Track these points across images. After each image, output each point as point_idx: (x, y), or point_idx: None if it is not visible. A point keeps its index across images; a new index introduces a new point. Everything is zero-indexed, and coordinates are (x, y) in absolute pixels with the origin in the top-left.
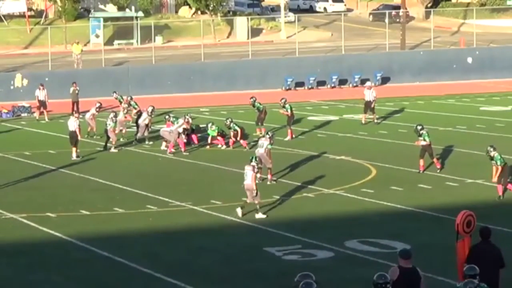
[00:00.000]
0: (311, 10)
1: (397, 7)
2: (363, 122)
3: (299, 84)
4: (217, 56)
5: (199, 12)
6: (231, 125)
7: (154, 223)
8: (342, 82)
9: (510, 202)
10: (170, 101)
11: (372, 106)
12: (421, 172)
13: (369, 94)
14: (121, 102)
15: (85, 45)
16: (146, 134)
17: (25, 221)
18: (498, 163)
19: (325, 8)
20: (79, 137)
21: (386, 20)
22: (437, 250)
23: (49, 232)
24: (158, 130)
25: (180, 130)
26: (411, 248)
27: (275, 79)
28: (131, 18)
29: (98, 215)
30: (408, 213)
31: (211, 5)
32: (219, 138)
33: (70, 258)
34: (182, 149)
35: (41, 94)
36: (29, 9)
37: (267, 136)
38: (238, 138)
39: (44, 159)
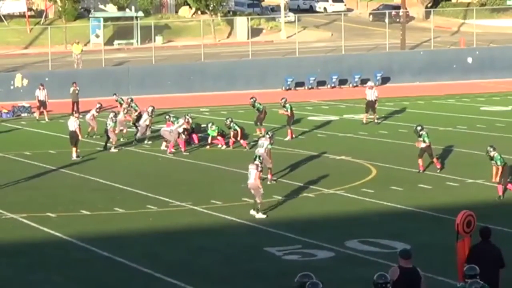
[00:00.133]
0: (311, 10)
1: (397, 7)
2: (364, 121)
3: (299, 84)
4: (217, 56)
5: (199, 12)
6: (231, 124)
7: (154, 223)
8: (342, 82)
9: (510, 202)
10: (170, 101)
11: (375, 106)
12: (421, 171)
13: (370, 93)
14: (121, 104)
15: (85, 45)
16: (148, 133)
17: (25, 221)
18: (498, 163)
19: (325, 8)
20: (79, 137)
21: (386, 20)
22: (437, 250)
23: (49, 232)
24: (158, 130)
25: (180, 130)
26: (411, 248)
27: (275, 79)
28: (131, 18)
29: (98, 215)
30: (408, 213)
31: (211, 5)
32: (219, 138)
33: (70, 258)
34: (182, 149)
35: (41, 94)
36: (29, 9)
37: (267, 136)
38: (238, 138)
39: (44, 159)
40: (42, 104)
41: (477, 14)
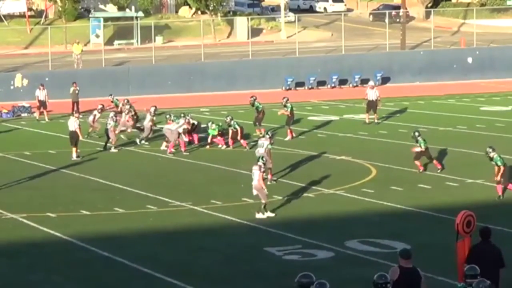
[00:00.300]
0: (311, 10)
1: (397, 7)
2: (367, 121)
3: (299, 84)
4: (217, 56)
5: (199, 12)
6: (232, 122)
7: (154, 223)
8: (342, 82)
9: (510, 202)
10: (170, 101)
11: (378, 105)
12: (421, 171)
13: (372, 93)
14: (117, 106)
15: (85, 45)
16: (150, 135)
17: (25, 221)
18: (499, 163)
19: (325, 8)
20: (80, 137)
21: (386, 20)
22: (437, 250)
23: (49, 232)
24: (159, 130)
25: (181, 130)
26: (411, 248)
27: (275, 79)
28: (131, 18)
29: (98, 215)
30: (408, 213)
31: (211, 5)
32: (219, 137)
33: (70, 258)
34: (182, 149)
35: (41, 94)
36: (29, 9)
37: (267, 136)
38: (238, 138)
39: (44, 159)
40: (42, 104)
41: (477, 14)
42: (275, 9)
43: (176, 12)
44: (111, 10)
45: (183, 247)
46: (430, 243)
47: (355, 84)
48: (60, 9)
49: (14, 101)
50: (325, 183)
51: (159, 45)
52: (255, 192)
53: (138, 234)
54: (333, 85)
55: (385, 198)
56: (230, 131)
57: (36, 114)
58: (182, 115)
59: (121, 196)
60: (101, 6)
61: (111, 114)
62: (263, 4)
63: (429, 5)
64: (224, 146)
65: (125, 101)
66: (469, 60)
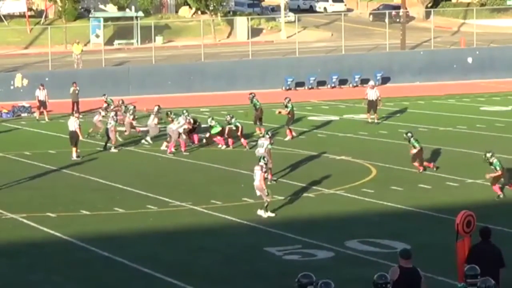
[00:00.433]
0: (311, 10)
1: (397, 7)
2: (369, 121)
3: (299, 84)
4: (217, 56)
5: (199, 12)
6: (232, 121)
7: (154, 223)
8: (342, 82)
9: (510, 202)
10: (170, 101)
11: (378, 105)
12: (421, 171)
13: (372, 93)
14: (109, 105)
15: (85, 45)
16: (153, 134)
17: (25, 221)
18: (498, 168)
19: (325, 8)
20: (80, 137)
21: (386, 20)
22: (437, 250)
23: (49, 232)
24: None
25: (181, 130)
26: (411, 248)
27: (275, 79)
28: (131, 18)
29: (98, 215)
30: (408, 213)
31: (211, 5)
32: (219, 137)
33: (70, 258)
34: (182, 149)
35: (41, 94)
36: (29, 9)
37: (267, 136)
38: (239, 134)
39: (44, 159)
40: (42, 104)
41: (477, 14)
42: (275, 9)
43: (176, 12)
44: (111, 10)
45: (183, 247)
46: (430, 243)
47: (355, 84)
48: (60, 9)
49: (14, 101)
50: (325, 183)
51: (159, 45)
52: (258, 192)
53: (138, 234)
54: (333, 85)
55: (385, 198)
56: (227, 129)
57: (36, 114)
58: (184, 112)
59: (121, 196)
60: (101, 6)
61: (112, 113)
62: (263, 4)
63: (429, 5)
64: (224, 146)
65: (121, 101)
66: (469, 60)
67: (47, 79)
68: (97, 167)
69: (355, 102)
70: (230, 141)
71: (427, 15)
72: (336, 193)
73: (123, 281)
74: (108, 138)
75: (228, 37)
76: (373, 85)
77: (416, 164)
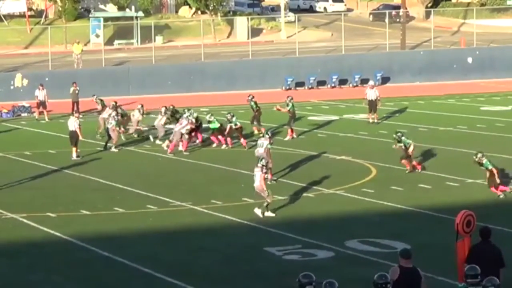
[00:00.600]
0: (311, 10)
1: (397, 7)
2: (370, 121)
3: (299, 84)
4: (217, 56)
5: (199, 12)
6: (233, 119)
7: (154, 223)
8: (342, 82)
9: (510, 202)
10: (170, 101)
11: (377, 105)
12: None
13: (371, 93)
14: (103, 106)
15: (85, 45)
16: (161, 134)
17: (25, 221)
18: (490, 167)
19: (325, 8)
20: (80, 137)
21: (386, 20)
22: (437, 250)
23: (49, 232)
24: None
25: (184, 131)
26: (411, 248)
27: (275, 79)
28: (131, 18)
29: (98, 215)
30: (408, 213)
31: (211, 5)
32: (219, 137)
33: (70, 258)
34: (183, 149)
35: (40, 94)
36: (29, 9)
37: (267, 136)
38: (239, 133)
39: (44, 159)
40: (42, 104)
41: (477, 14)
42: (275, 9)
43: (176, 12)
44: (111, 10)
45: (183, 247)
46: (430, 243)
47: (355, 84)
48: (60, 9)
49: (14, 101)
50: (325, 183)
51: (159, 45)
52: (259, 192)
53: (138, 234)
54: (333, 85)
55: (385, 198)
56: (228, 127)
57: (36, 114)
58: (185, 110)
59: (121, 196)
60: (101, 6)
61: (113, 113)
62: (263, 4)
63: (429, 5)
64: (224, 146)
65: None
66: (469, 60)
67: (47, 79)
68: (97, 167)
69: (355, 102)
70: (229, 140)
71: (427, 15)
72: (336, 193)
73: (123, 281)
74: (109, 137)
75: (228, 37)
76: (373, 85)
77: (414, 163)
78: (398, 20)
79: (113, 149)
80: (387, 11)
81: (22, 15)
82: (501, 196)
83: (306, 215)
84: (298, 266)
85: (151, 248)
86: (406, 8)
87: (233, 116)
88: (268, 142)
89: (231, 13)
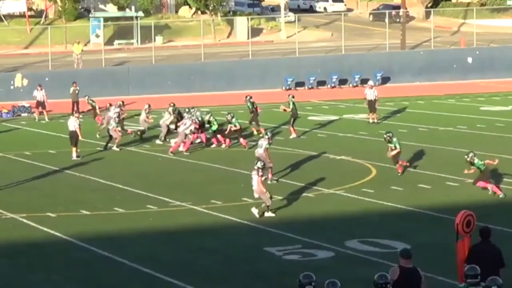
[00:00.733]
0: (311, 10)
1: (397, 7)
2: (370, 121)
3: (299, 84)
4: (217, 56)
5: (199, 12)
6: (233, 120)
7: (154, 223)
8: (342, 82)
9: (510, 202)
10: (170, 101)
11: (375, 105)
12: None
13: (371, 93)
14: (93, 107)
15: (85, 45)
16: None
17: (25, 221)
18: (482, 168)
19: (325, 8)
20: (80, 137)
21: (386, 20)
22: (437, 250)
23: (49, 232)
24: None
25: (187, 131)
26: (411, 248)
27: (275, 79)
28: (131, 18)
29: (98, 215)
30: (408, 213)
31: (211, 5)
32: (219, 136)
33: (70, 258)
34: (184, 149)
35: (39, 94)
36: (29, 9)
37: (266, 136)
38: (238, 134)
39: (44, 159)
40: (41, 104)
41: (477, 14)
42: (275, 9)
43: (176, 12)
44: (111, 10)
45: (183, 247)
46: (430, 243)
47: (355, 84)
48: (60, 9)
49: (14, 101)
50: (325, 183)
51: (159, 45)
52: (256, 195)
53: (138, 234)
54: (333, 85)
55: (385, 198)
56: (228, 127)
57: (35, 115)
58: (186, 109)
59: (121, 196)
60: (101, 6)
61: (114, 115)
62: (263, 4)
63: (429, 5)
64: (224, 145)
65: (108, 104)
66: (469, 60)
67: (47, 79)
68: (97, 167)
69: (355, 102)
70: (227, 141)
71: (427, 15)
72: (336, 193)
73: (123, 281)
74: (110, 137)
75: (228, 37)
76: (372, 85)
77: (401, 162)
78: (398, 20)
79: (114, 148)
80: (387, 11)
81: (22, 15)
82: (501, 196)
83: (306, 215)
84: (298, 266)
85: (151, 248)
86: (406, 8)
87: (232, 117)
88: (267, 143)
89: (231, 13)
